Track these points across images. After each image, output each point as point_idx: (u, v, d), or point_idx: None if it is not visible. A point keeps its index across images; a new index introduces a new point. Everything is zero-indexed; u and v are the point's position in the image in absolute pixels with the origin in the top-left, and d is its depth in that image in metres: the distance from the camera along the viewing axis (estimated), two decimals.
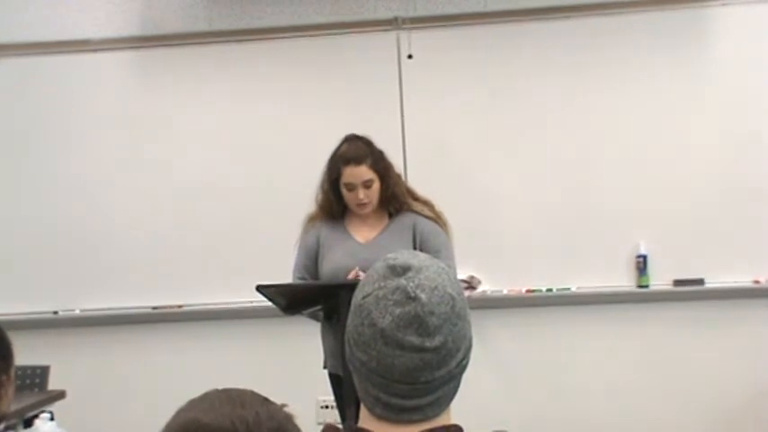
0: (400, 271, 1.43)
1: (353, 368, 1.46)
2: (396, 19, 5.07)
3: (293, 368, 4.97)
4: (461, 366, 1.45)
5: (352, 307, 1.46)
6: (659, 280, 4.97)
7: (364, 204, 3.75)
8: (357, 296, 1.46)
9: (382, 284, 1.42)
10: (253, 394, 1.25)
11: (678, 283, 4.97)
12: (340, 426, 1.48)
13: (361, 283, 1.48)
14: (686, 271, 4.95)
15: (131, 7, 5.25)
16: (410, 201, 3.82)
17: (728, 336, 4.96)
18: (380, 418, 1.43)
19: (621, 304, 5.03)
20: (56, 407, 4.08)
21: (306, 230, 3.89)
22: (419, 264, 1.44)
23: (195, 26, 5.21)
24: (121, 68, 5.29)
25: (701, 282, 4.95)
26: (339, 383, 3.71)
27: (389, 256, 1.48)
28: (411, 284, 1.40)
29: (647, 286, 4.97)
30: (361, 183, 3.71)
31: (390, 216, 3.82)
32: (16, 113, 5.31)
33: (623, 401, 4.99)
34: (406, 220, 3.79)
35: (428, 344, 1.39)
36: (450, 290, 1.43)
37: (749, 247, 4.92)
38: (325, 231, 3.84)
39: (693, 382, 4.97)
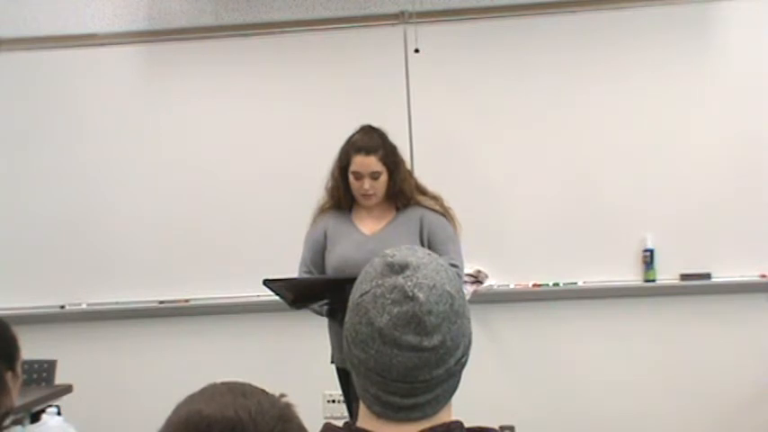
0: (398, 269, 1.41)
1: (352, 366, 1.44)
2: (402, 13, 5.07)
3: (300, 362, 4.99)
4: (461, 364, 1.44)
5: (350, 304, 1.45)
6: (666, 274, 4.96)
7: (369, 195, 3.76)
8: (355, 293, 1.44)
9: (380, 282, 1.41)
10: (251, 385, 1.25)
11: (685, 277, 4.96)
12: (339, 424, 1.47)
13: (358, 280, 1.46)
14: (693, 265, 4.94)
15: (137, 1, 5.25)
16: (418, 197, 3.83)
17: (735, 330, 4.95)
18: (379, 416, 1.43)
19: (628, 299, 5.02)
20: (63, 401, 4.09)
21: (314, 223, 3.91)
22: (417, 261, 1.42)
23: (201, 20, 5.21)
24: (128, 63, 5.29)
25: (707, 276, 4.94)
26: (346, 377, 3.72)
27: (387, 252, 1.46)
28: (409, 283, 1.39)
29: (653, 281, 4.96)
30: (368, 173, 3.72)
31: (397, 209, 3.83)
32: (22, 108, 5.32)
33: (629, 396, 4.98)
34: (413, 213, 3.81)
35: (426, 343, 1.37)
36: (448, 288, 1.41)
37: (756, 242, 4.91)
38: (332, 224, 3.85)
39: (700, 377, 4.97)
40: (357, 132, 3.81)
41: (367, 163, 3.72)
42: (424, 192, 3.88)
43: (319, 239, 3.86)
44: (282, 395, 1.25)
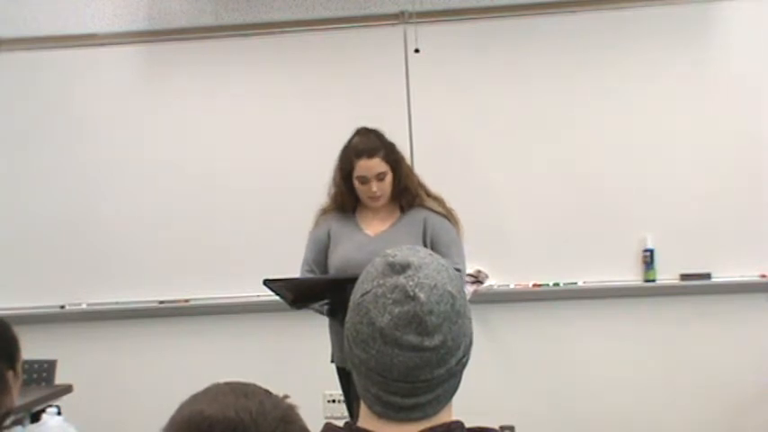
0: (399, 269, 1.41)
1: (353, 365, 1.44)
2: (402, 13, 5.06)
3: (300, 362, 4.99)
4: (462, 364, 1.44)
5: (351, 304, 1.44)
6: (666, 274, 4.96)
7: (377, 197, 3.75)
8: (356, 293, 1.44)
9: (381, 282, 1.41)
10: (255, 386, 1.26)
11: (685, 277, 4.96)
12: (340, 424, 1.47)
13: (359, 280, 1.46)
14: (693, 265, 4.93)
15: (137, 1, 5.25)
16: (422, 194, 3.83)
17: (735, 330, 4.95)
18: (380, 415, 1.43)
19: (628, 299, 5.02)
20: (63, 401, 4.09)
21: (317, 224, 3.91)
22: (419, 261, 1.42)
23: (201, 20, 5.21)
24: (128, 63, 5.29)
25: (707, 276, 4.94)
26: (347, 377, 3.72)
27: (388, 252, 1.46)
28: (410, 283, 1.39)
29: (653, 281, 4.96)
30: (374, 175, 3.71)
31: (402, 210, 3.82)
32: (22, 108, 5.32)
33: (629, 396, 4.98)
34: (417, 215, 3.80)
35: (427, 343, 1.37)
36: (449, 287, 1.41)
37: (756, 242, 4.91)
38: (335, 225, 3.85)
39: (700, 377, 4.96)
40: (354, 137, 3.79)
41: (371, 165, 3.71)
42: (426, 191, 3.88)
43: (323, 239, 3.85)
44: (286, 396, 1.25)
